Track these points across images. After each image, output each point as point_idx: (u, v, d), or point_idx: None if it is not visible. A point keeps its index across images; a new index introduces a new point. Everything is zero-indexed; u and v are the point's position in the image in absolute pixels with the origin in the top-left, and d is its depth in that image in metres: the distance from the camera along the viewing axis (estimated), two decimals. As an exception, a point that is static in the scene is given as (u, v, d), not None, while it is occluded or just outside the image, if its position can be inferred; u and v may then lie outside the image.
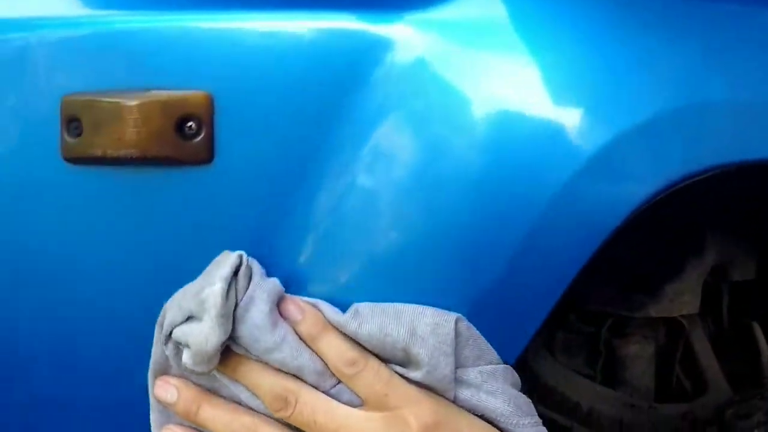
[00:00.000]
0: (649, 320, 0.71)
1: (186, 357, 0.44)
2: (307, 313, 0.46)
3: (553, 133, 0.48)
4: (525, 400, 0.49)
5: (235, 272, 0.45)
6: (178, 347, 0.46)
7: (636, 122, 0.48)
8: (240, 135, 0.49)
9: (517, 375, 0.49)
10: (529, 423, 0.47)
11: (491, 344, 0.48)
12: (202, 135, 0.48)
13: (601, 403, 0.70)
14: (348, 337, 0.45)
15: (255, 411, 0.46)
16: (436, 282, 0.48)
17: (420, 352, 0.45)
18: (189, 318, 0.44)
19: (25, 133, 0.51)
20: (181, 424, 0.48)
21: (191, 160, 0.49)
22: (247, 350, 0.45)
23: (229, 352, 0.46)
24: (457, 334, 0.46)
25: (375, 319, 0.45)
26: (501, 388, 0.47)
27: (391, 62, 0.48)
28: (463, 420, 0.45)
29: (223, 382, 0.47)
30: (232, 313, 0.44)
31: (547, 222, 0.48)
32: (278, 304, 0.46)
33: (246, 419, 0.46)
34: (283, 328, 0.45)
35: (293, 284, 0.49)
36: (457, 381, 0.46)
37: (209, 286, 0.43)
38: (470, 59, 0.48)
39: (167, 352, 0.47)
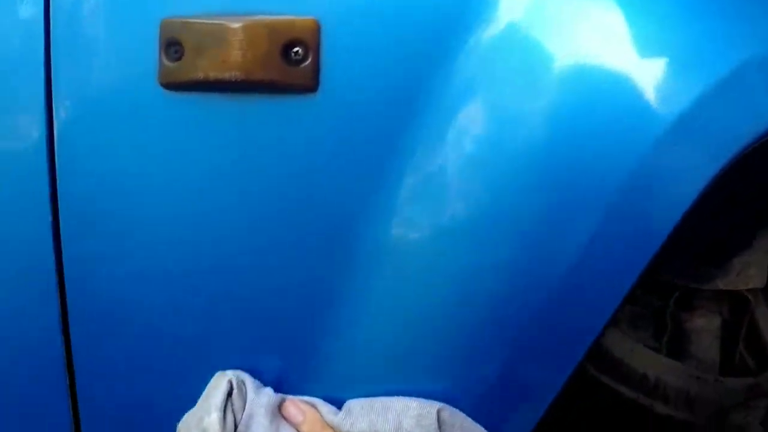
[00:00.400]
0: (716, 294, 0.70)
1: None
2: (307, 414, 0.50)
3: (636, 95, 0.47)
4: None
5: (229, 393, 0.49)
6: None
7: (723, 75, 0.47)
8: (346, 65, 0.48)
9: None
10: None
11: (581, 315, 0.49)
12: (308, 61, 0.47)
13: (668, 375, 0.68)
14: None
15: None
16: (523, 244, 0.48)
17: None
18: None
19: (120, 58, 0.49)
20: None
21: (296, 86, 0.47)
22: None
23: None
24: (441, 422, 0.49)
25: (365, 417, 0.49)
26: None
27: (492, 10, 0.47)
28: None
29: None
30: None
31: (638, 184, 0.47)
32: (280, 407, 0.50)
33: None
34: (287, 430, 0.49)
35: (392, 221, 0.48)
36: None
37: (207, 415, 0.48)
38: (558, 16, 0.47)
39: None
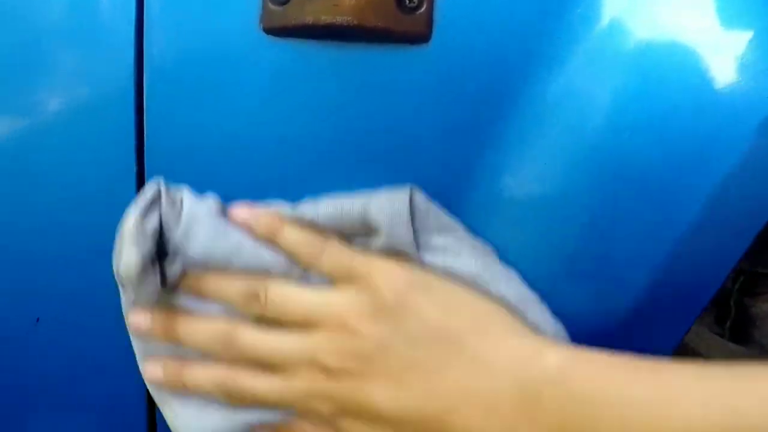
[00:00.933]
0: (780, 279, 0.70)
1: (127, 289, 0.44)
2: (260, 214, 0.45)
3: (742, 81, 0.45)
4: (493, 260, 0.46)
5: (157, 202, 0.44)
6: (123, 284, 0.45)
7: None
8: (459, 16, 0.46)
9: (488, 246, 0.47)
10: (503, 278, 0.45)
11: (682, 299, 0.48)
12: (422, 9, 0.45)
13: (732, 360, 0.67)
14: (305, 227, 0.45)
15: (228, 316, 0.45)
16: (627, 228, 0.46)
17: (378, 218, 0.44)
18: (117, 253, 0.44)
19: (220, 1, 0.47)
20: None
21: (409, 35, 0.45)
22: (205, 266, 0.44)
23: (187, 277, 0.45)
24: (415, 205, 0.45)
25: (330, 203, 0.45)
26: (468, 252, 0.45)
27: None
28: (433, 278, 0.43)
29: (188, 305, 0.46)
30: (167, 239, 0.44)
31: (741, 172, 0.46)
32: (227, 215, 0.46)
33: (221, 323, 0.45)
34: (237, 233, 0.44)
35: (498, 181, 0.46)
36: (421, 247, 0.45)
37: (125, 218, 0.43)
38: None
39: (128, 296, 0.46)
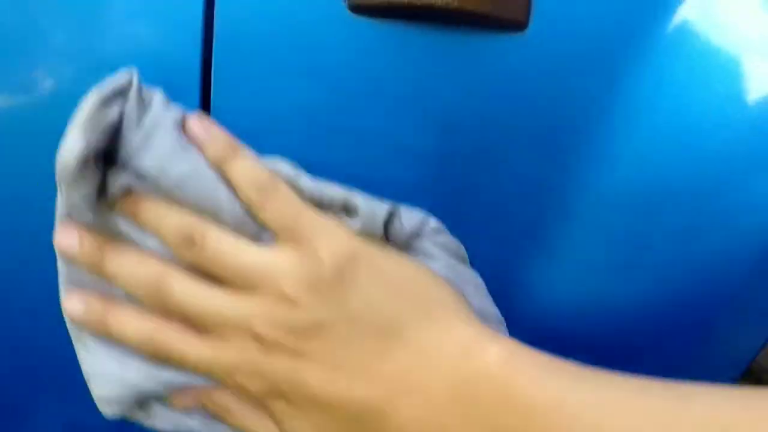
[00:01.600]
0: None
1: (60, 184, 0.37)
2: (215, 133, 0.39)
3: None
4: (469, 274, 0.43)
5: (124, 94, 0.37)
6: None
7: None
8: (558, 3, 0.44)
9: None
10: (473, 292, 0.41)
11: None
12: (522, -4, 0.43)
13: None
14: (262, 164, 0.39)
15: (164, 258, 0.40)
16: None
17: (359, 203, 0.39)
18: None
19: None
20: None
21: (506, 21, 0.43)
22: (156, 185, 0.38)
23: (128, 196, 0.39)
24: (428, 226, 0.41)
25: (317, 181, 0.40)
26: (446, 261, 0.41)
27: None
28: (381, 253, 0.39)
29: (128, 232, 0.40)
30: (122, 140, 0.37)
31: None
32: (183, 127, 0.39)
33: (153, 266, 0.39)
34: (196, 154, 0.38)
35: (586, 173, 0.44)
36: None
37: (83, 100, 0.36)
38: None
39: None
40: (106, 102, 0.36)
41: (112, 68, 0.39)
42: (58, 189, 0.38)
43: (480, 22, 0.43)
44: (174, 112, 0.38)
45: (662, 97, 0.44)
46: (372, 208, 0.39)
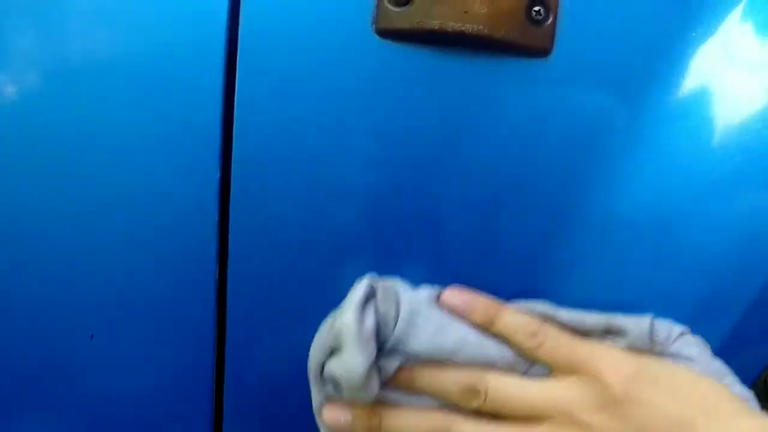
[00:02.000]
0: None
1: (344, 392, 0.41)
2: (474, 300, 0.43)
3: None
4: (720, 364, 0.47)
5: (372, 297, 0.42)
6: (336, 384, 0.42)
7: None
8: (581, 30, 0.44)
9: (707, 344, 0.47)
10: (730, 382, 0.45)
11: None
12: (548, 22, 0.43)
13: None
14: (521, 311, 0.44)
15: (443, 409, 0.43)
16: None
17: (624, 323, 0.43)
18: (332, 353, 0.41)
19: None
20: None
21: (532, 49, 0.43)
22: (426, 361, 0.42)
23: (402, 371, 0.43)
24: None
25: (573, 312, 0.44)
26: (698, 357, 0.45)
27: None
28: (658, 365, 0.43)
29: (396, 399, 0.44)
30: (385, 336, 0.41)
31: None
32: (438, 301, 0.43)
33: (437, 417, 0.43)
34: (460, 326, 0.43)
35: (614, 196, 0.45)
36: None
37: (341, 315, 0.40)
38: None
39: (328, 392, 0.43)
40: (363, 311, 0.40)
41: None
42: (319, 386, 0.42)
43: (505, 47, 0.43)
44: (422, 293, 0.43)
45: (683, 120, 0.46)
46: (637, 323, 0.43)
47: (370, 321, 0.40)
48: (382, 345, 0.41)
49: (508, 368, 0.43)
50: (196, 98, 0.43)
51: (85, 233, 0.45)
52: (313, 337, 0.42)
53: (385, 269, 0.44)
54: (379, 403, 0.43)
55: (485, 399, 0.42)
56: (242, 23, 0.43)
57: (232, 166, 0.44)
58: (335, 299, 0.42)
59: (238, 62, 0.43)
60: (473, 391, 0.42)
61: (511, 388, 0.42)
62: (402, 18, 0.42)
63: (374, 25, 0.43)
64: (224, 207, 0.44)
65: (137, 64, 0.43)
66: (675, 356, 0.44)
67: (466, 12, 0.42)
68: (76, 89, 0.43)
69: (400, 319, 0.41)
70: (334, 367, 0.40)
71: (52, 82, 0.43)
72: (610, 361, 0.41)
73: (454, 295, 0.43)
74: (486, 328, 0.43)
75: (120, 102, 0.43)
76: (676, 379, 0.42)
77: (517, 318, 0.43)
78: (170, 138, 0.43)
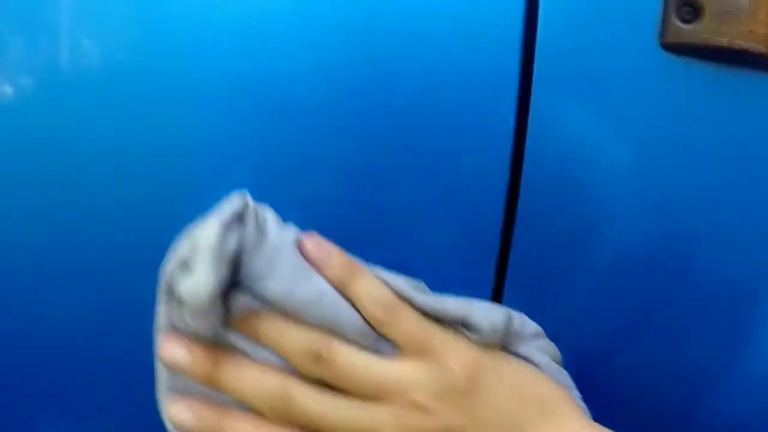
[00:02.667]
0: None
1: (185, 313, 0.38)
2: (333, 254, 0.41)
3: None
4: (566, 376, 0.47)
5: (240, 218, 0.39)
6: (180, 303, 0.38)
7: None
8: None
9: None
10: (576, 395, 0.46)
11: None
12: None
13: None
14: (382, 282, 0.42)
15: (282, 370, 0.41)
16: None
17: (478, 320, 0.42)
18: (184, 266, 0.37)
19: (617, 11, 0.46)
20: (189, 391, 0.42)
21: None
22: (280, 308, 0.39)
23: (249, 315, 0.40)
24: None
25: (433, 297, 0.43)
26: (546, 365, 0.46)
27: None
28: (504, 362, 0.43)
29: (238, 344, 0.41)
30: (242, 266, 0.38)
31: None
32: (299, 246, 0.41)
33: (274, 380, 0.40)
34: (318, 278, 0.40)
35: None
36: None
37: (204, 226, 0.37)
38: None
39: (171, 310, 0.39)
40: (228, 229, 0.37)
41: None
42: (165, 303, 0.39)
43: (781, 68, 0.47)
44: (290, 233, 0.40)
45: None
46: (491, 322, 0.42)
47: (232, 242, 0.37)
48: (235, 276, 0.38)
49: (355, 336, 0.40)
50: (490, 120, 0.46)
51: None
52: None
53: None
54: (221, 351, 0.40)
55: (328, 366, 0.40)
56: (539, 41, 0.46)
57: (522, 174, 0.47)
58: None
59: (533, 77, 0.46)
60: (317, 357, 0.40)
61: (357, 363, 0.40)
62: (690, 34, 0.45)
63: (661, 39, 0.45)
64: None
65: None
66: (525, 360, 0.45)
67: (751, 31, 0.45)
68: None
69: (261, 252, 0.38)
70: (182, 282, 0.37)
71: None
72: (459, 351, 0.41)
73: (312, 242, 0.41)
74: (341, 289, 0.40)
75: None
76: (520, 377, 0.43)
77: (375, 288, 0.41)
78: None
